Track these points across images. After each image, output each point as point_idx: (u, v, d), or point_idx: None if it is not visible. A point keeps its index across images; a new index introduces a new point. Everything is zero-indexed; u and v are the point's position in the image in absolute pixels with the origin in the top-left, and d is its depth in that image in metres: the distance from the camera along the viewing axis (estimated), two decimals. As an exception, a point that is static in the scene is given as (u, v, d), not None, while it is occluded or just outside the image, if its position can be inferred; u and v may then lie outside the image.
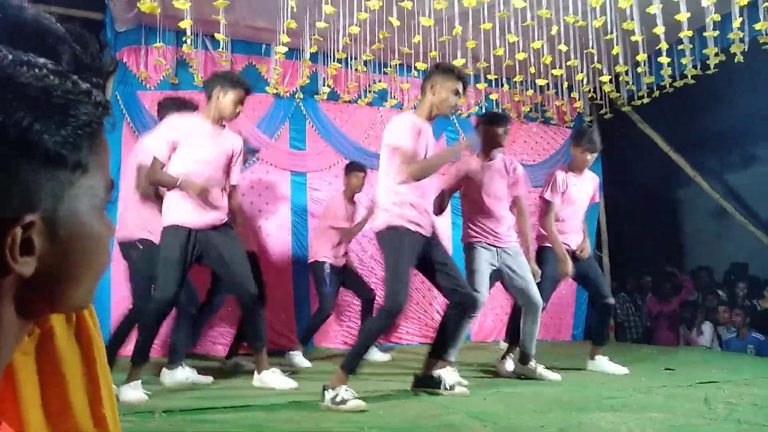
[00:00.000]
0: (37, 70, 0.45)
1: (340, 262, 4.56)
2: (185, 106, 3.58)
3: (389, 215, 2.96)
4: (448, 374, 3.33)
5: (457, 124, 6.03)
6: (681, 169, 6.22)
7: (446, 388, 3.06)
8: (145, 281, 3.33)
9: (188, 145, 3.11)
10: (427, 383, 3.12)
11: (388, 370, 4.06)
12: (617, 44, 4.46)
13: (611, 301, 4.03)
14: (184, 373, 3.45)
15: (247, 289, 3.16)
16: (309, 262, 4.64)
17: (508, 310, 5.84)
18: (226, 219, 3.25)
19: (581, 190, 4.06)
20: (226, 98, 3.14)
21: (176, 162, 3.10)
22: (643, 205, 6.77)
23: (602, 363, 3.95)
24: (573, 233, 4.01)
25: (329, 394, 2.74)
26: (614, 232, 6.51)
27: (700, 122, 6.20)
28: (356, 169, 4.67)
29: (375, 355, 4.59)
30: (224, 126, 3.27)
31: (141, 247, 3.36)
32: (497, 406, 2.80)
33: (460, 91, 3.08)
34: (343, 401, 2.70)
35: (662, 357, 4.61)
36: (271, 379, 3.21)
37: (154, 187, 3.31)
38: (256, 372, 3.28)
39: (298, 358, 4.31)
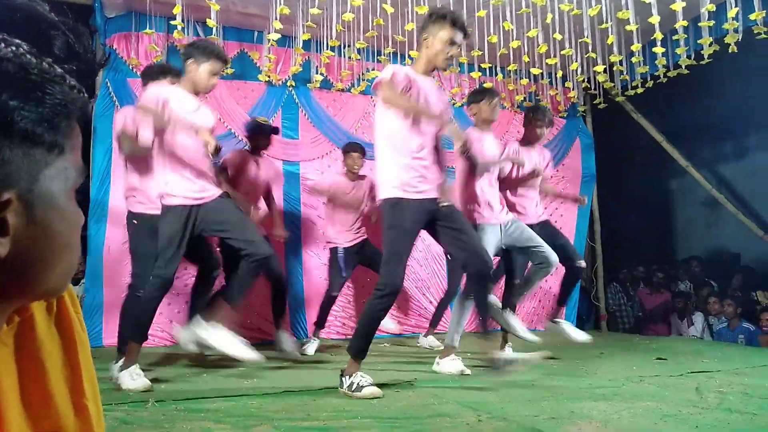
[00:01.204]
0: (14, 48, 0.45)
1: (353, 242, 4.55)
2: (169, 71, 3.45)
3: (388, 186, 2.83)
4: (453, 363, 3.37)
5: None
6: (674, 160, 6.23)
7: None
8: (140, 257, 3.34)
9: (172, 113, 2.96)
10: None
11: (380, 360, 4.06)
12: (612, 34, 4.45)
13: (583, 263, 4.05)
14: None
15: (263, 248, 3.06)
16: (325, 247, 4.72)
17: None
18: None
19: (532, 162, 4.01)
20: (200, 70, 2.99)
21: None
22: (636, 195, 6.79)
23: (565, 326, 4.01)
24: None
25: (346, 381, 2.75)
26: (607, 222, 6.52)
27: (693, 112, 6.21)
28: (349, 149, 4.63)
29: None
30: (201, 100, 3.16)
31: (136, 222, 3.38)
32: (490, 395, 2.80)
33: (457, 40, 2.82)
34: (359, 388, 2.71)
35: (654, 347, 4.64)
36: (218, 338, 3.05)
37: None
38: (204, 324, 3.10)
39: (311, 346, 4.36)
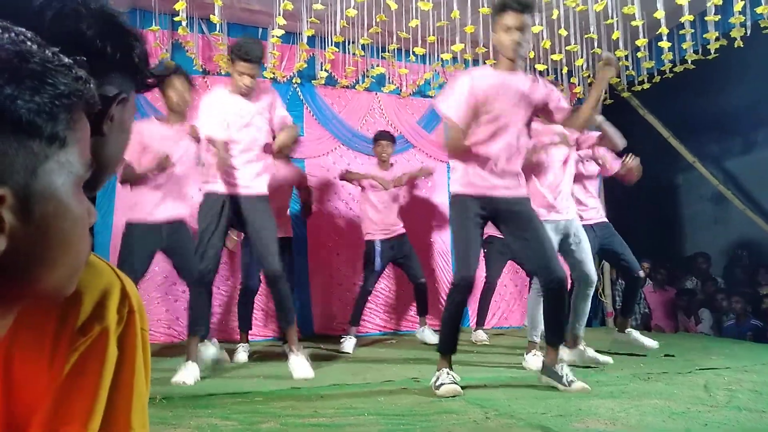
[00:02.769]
0: (13, 35, 0.43)
1: (390, 234, 4.55)
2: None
3: (451, 184, 2.88)
4: (535, 359, 3.34)
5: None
6: (680, 155, 6.19)
7: (565, 384, 2.76)
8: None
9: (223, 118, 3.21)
10: (550, 375, 2.85)
11: (387, 357, 4.06)
12: (617, 29, 4.42)
13: (641, 273, 4.30)
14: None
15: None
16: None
17: (506, 296, 5.86)
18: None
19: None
20: (234, 72, 3.19)
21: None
22: (642, 191, 6.73)
23: (635, 334, 3.96)
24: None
25: (434, 377, 2.75)
26: (613, 217, 6.47)
27: (699, 108, 6.16)
28: (378, 137, 4.73)
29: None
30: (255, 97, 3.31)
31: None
32: (497, 392, 2.78)
33: (511, 24, 2.61)
34: (439, 386, 2.70)
35: (662, 343, 4.60)
36: (293, 363, 3.13)
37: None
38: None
39: (349, 342, 4.27)
